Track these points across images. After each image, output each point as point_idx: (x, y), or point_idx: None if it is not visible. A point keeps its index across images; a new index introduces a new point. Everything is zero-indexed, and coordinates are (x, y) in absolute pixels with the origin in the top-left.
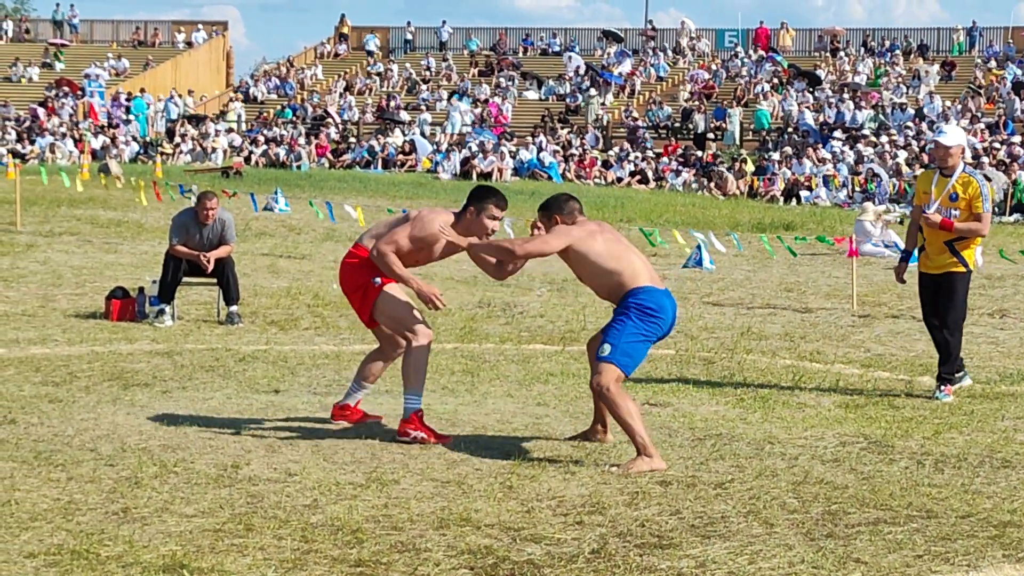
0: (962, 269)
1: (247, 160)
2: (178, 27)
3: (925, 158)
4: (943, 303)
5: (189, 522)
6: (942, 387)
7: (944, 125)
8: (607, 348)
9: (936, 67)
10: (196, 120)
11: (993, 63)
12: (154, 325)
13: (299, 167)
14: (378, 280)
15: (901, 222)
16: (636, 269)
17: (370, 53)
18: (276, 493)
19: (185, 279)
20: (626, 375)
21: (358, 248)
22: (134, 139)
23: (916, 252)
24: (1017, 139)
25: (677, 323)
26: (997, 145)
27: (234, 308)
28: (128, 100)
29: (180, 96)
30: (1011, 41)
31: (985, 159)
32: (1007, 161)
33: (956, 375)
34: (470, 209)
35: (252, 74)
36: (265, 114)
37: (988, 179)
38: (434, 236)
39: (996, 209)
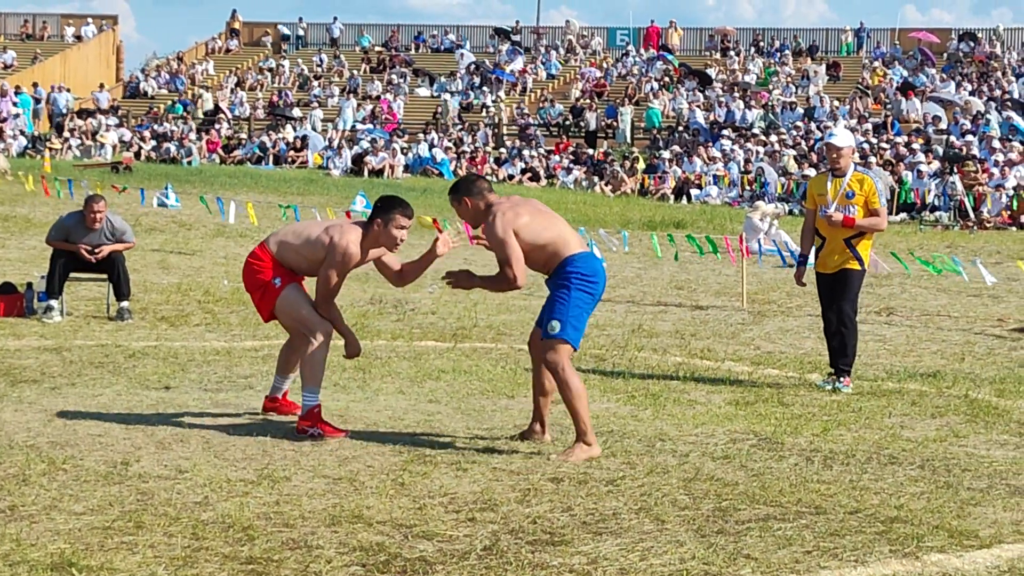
0: (858, 267)
1: (137, 155)
2: (67, 20)
3: (814, 157)
4: (839, 298)
5: (78, 520)
6: (841, 379)
7: (834, 127)
8: (556, 325)
9: (824, 67)
10: (85, 115)
11: (880, 64)
12: (42, 321)
13: (190, 163)
14: (278, 281)
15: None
16: (566, 237)
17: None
18: (166, 490)
19: (74, 274)
20: (575, 348)
21: (262, 249)
22: (21, 133)
23: (812, 254)
24: (902, 139)
25: None
26: (884, 145)
27: (124, 304)
28: (16, 94)
29: (68, 90)
30: (898, 43)
31: (872, 159)
32: (893, 161)
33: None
34: (377, 221)
35: (142, 69)
36: (155, 109)
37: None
38: (355, 259)
39: None
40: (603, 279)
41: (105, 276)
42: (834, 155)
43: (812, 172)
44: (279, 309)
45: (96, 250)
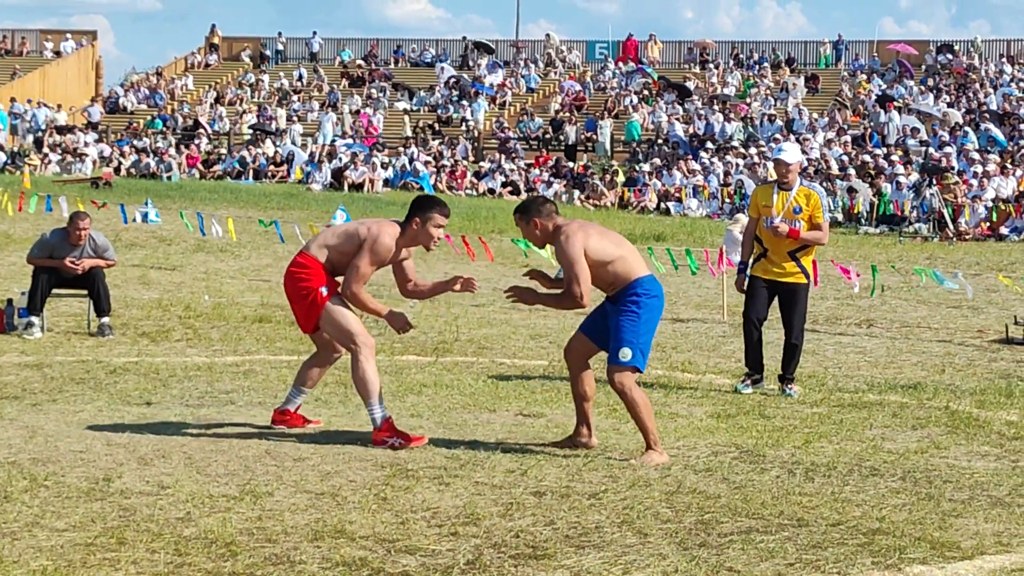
0: (804, 280)
1: (116, 171)
2: (46, 36)
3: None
4: (789, 313)
5: (60, 536)
6: (789, 386)
7: (783, 143)
8: (628, 352)
9: (802, 80)
10: (64, 130)
11: (859, 76)
12: (23, 337)
13: (169, 178)
14: (325, 290)
15: None
16: (633, 258)
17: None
18: (149, 506)
19: (55, 290)
20: (641, 371)
21: (304, 256)
22: (0, 149)
23: (751, 261)
24: (882, 151)
25: (548, 334)
26: (867, 158)
27: (105, 320)
28: None
29: (48, 106)
30: (876, 55)
31: (851, 171)
32: (872, 173)
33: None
34: (415, 220)
35: (122, 84)
36: (135, 124)
37: (854, 190)
38: (390, 253)
39: (863, 221)
40: (663, 302)
41: (85, 292)
42: (783, 170)
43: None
44: (325, 319)
45: (71, 261)
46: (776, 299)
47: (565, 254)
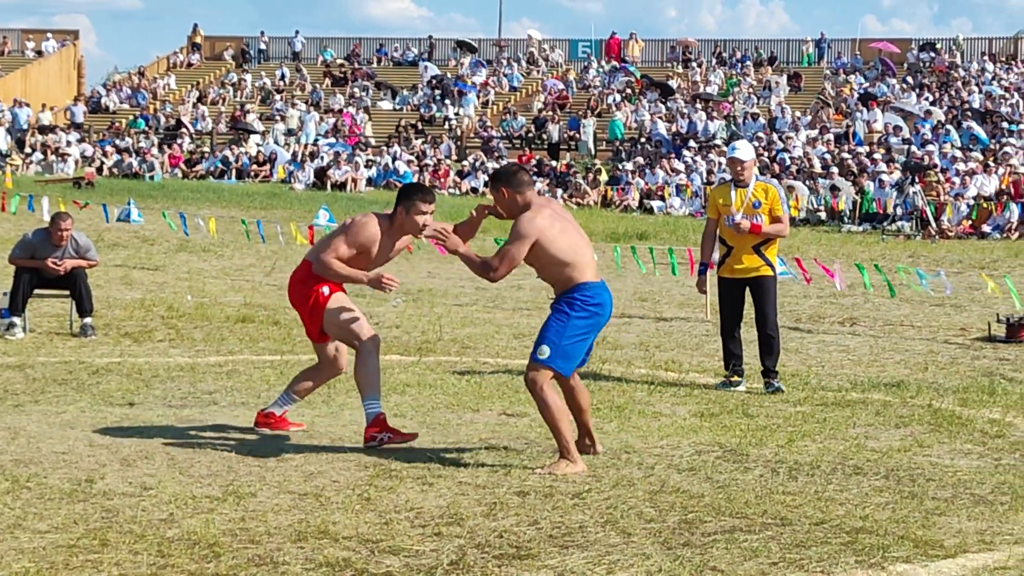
0: (771, 272)
1: (99, 170)
2: (28, 36)
3: (776, 168)
4: (761, 304)
5: (43, 538)
6: (774, 380)
7: (736, 142)
8: (545, 351)
9: (785, 78)
10: (46, 130)
11: (842, 74)
12: (5, 337)
13: (152, 177)
14: (327, 290)
15: None
16: (586, 262)
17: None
18: (131, 507)
19: (37, 291)
20: (564, 375)
21: (303, 263)
22: None
23: (718, 262)
24: (864, 149)
25: (531, 333)
26: (846, 155)
27: (88, 320)
28: None
29: (29, 106)
30: (858, 53)
31: (834, 169)
32: (855, 171)
33: (734, 380)
34: (399, 209)
35: (104, 83)
36: (117, 124)
37: (837, 188)
38: (370, 239)
39: (846, 219)
40: (608, 312)
41: (67, 292)
42: (739, 168)
43: (775, 182)
44: (328, 319)
45: (53, 261)
46: (748, 295)
47: (515, 230)
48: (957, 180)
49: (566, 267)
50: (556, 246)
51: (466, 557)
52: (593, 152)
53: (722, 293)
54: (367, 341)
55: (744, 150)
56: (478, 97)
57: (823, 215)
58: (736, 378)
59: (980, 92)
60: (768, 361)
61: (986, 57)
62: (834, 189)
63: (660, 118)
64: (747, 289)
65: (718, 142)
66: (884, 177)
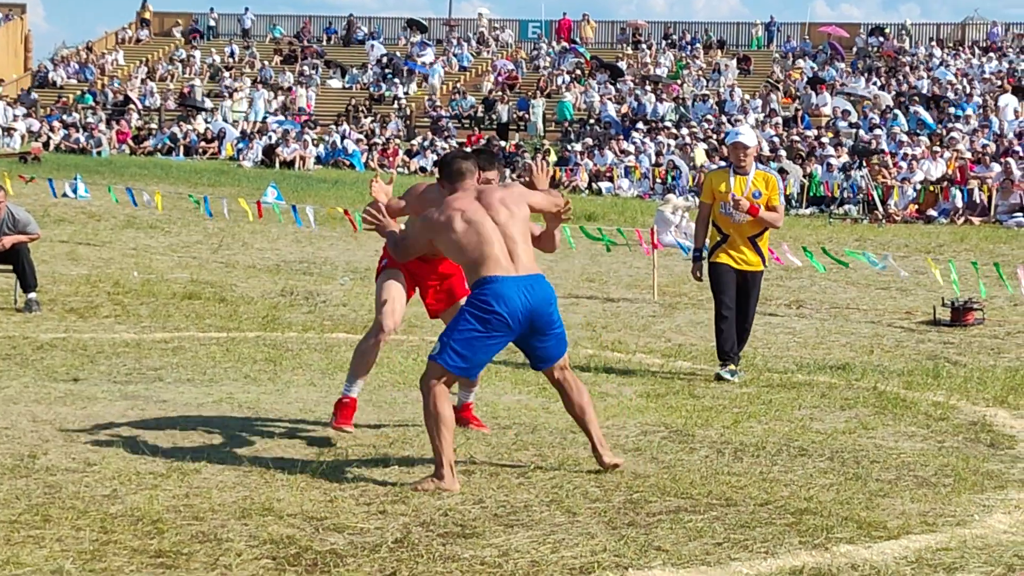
0: (762, 268)
1: (46, 145)
2: None
3: (724, 151)
4: (748, 299)
5: None
6: (726, 372)
7: (739, 126)
8: (437, 345)
9: (735, 61)
10: None
11: (791, 58)
12: None
13: (99, 153)
14: (386, 262)
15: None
16: (486, 257)
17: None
18: (74, 483)
19: None
20: (456, 375)
21: None
22: None
23: (709, 246)
24: (812, 133)
25: None
26: (796, 138)
27: (32, 295)
28: None
29: None
30: (808, 37)
31: (783, 152)
32: (803, 155)
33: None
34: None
35: (51, 58)
36: (64, 99)
37: (784, 172)
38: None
39: (793, 202)
40: (510, 309)
41: (10, 267)
42: (741, 154)
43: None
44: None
45: None
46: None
47: (419, 218)
48: (904, 164)
49: (469, 261)
50: (455, 239)
51: (411, 535)
52: (542, 133)
53: (715, 279)
54: (375, 326)
55: (748, 135)
56: (427, 78)
57: None
58: (732, 367)
59: (927, 77)
60: (739, 348)
61: (934, 43)
62: (782, 172)
63: (609, 99)
64: (738, 279)
65: (667, 124)
66: (832, 161)
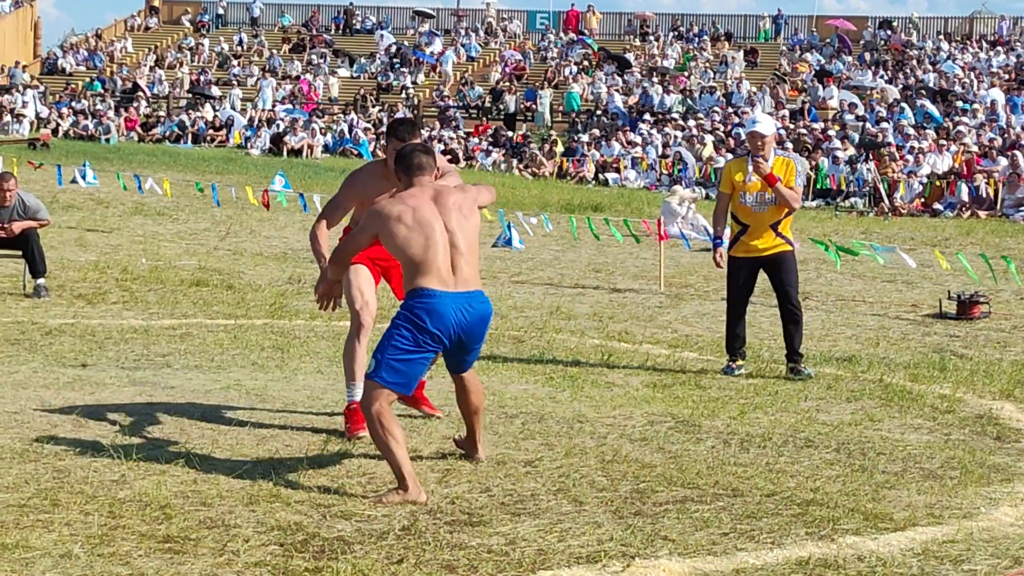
0: (790, 248)
1: (55, 132)
2: None
3: (732, 142)
4: (782, 281)
5: None
6: (801, 366)
7: (756, 114)
8: (372, 363)
9: (742, 53)
10: (1, 91)
11: (798, 51)
12: None
13: (108, 140)
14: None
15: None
16: (428, 265)
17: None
18: (83, 468)
19: None
20: (397, 392)
21: None
22: None
23: (729, 239)
24: (819, 126)
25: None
26: (803, 131)
27: (41, 281)
28: None
29: None
30: (815, 30)
31: (789, 145)
32: (810, 147)
33: (737, 364)
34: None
35: (60, 45)
36: (73, 86)
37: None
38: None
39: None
40: (444, 326)
41: (20, 253)
42: (759, 143)
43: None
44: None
45: (7, 224)
46: (765, 274)
47: (369, 209)
48: (910, 158)
49: (409, 263)
50: (402, 236)
51: (418, 523)
52: (549, 123)
53: (733, 273)
54: (352, 323)
55: (765, 123)
56: (435, 68)
57: None
58: (740, 361)
59: (934, 71)
60: (794, 342)
61: (941, 36)
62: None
63: (617, 91)
64: (760, 269)
65: (674, 116)
66: (838, 154)
